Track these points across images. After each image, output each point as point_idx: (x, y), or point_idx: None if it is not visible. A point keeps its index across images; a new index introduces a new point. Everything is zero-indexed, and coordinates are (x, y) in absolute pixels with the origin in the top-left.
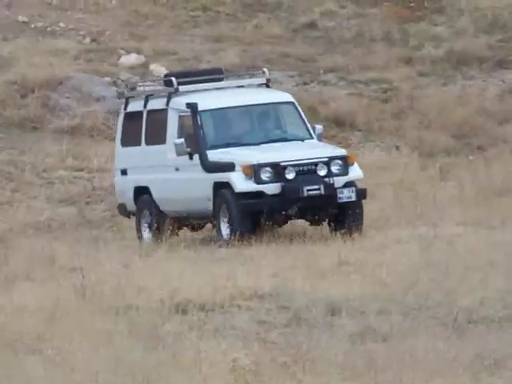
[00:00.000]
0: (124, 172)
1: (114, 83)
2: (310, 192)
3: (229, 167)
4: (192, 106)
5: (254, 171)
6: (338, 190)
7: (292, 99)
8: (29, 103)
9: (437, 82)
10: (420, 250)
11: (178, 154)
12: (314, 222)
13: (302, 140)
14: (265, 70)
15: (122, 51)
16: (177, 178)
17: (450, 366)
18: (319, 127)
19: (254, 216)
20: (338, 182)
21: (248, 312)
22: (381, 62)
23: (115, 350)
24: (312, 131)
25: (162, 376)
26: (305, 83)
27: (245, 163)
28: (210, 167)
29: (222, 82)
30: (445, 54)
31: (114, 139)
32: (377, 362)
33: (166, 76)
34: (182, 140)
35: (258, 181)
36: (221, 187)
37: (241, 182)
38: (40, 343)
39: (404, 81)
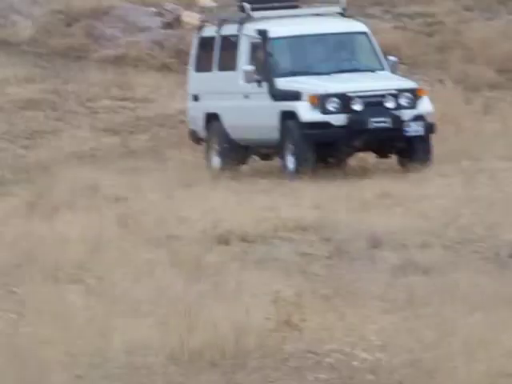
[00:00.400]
0: (196, 98)
1: (159, 13)
2: (377, 124)
3: (296, 96)
4: (262, 33)
5: (320, 101)
6: (406, 124)
7: (366, 29)
8: (73, 32)
9: (482, 16)
10: (463, 183)
11: (247, 80)
12: (382, 155)
13: (374, 71)
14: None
15: None
16: (246, 106)
17: (492, 300)
18: (393, 59)
19: (321, 148)
20: (406, 115)
21: (290, 243)
22: None
23: (157, 281)
24: (385, 62)
25: (203, 307)
26: (350, 16)
27: (311, 93)
28: (277, 95)
29: (297, 10)
30: None
31: (158, 70)
32: (417, 295)
33: (240, 1)
34: (252, 67)
35: (324, 111)
36: (288, 117)
37: (306, 112)
38: (82, 273)
39: (449, 15)
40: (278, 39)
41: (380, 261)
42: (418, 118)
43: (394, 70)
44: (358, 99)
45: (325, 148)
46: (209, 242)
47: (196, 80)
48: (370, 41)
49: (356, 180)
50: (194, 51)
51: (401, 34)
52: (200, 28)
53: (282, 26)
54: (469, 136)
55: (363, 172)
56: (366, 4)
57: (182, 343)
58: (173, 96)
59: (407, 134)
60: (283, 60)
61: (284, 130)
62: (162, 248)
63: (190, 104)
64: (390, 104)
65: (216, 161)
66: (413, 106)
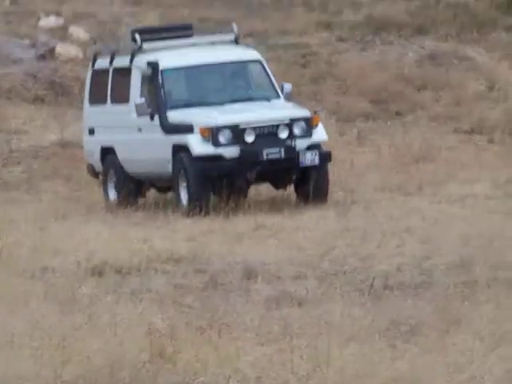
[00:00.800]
0: (91, 131)
1: (33, 45)
2: (270, 156)
3: (187, 129)
4: (153, 65)
5: (211, 133)
6: (300, 154)
7: (259, 57)
8: None
9: (355, 47)
10: (337, 215)
11: (139, 114)
12: (279, 187)
13: (268, 100)
14: (234, 25)
15: (41, 13)
16: (139, 139)
17: (366, 331)
18: (287, 86)
19: (214, 181)
20: (300, 144)
21: (164, 275)
22: (299, 26)
23: (31, 313)
24: (279, 90)
25: (77, 339)
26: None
27: (202, 125)
28: (169, 128)
29: (190, 39)
30: (364, 20)
31: (31, 101)
32: (292, 326)
33: (132, 32)
34: (143, 100)
35: (216, 144)
36: (179, 150)
37: (198, 145)
38: None
39: (323, 46)
40: (169, 70)
41: (254, 292)
42: (313, 147)
43: (288, 98)
44: (250, 130)
45: (219, 181)
46: (83, 274)
47: (91, 113)
48: (264, 68)
49: (231, 212)
50: (87, 84)
51: (275, 65)
52: (93, 60)
53: (173, 56)
54: (343, 167)
55: (238, 204)
56: (240, 34)
57: (56, 375)
58: (46, 128)
59: (302, 164)
60: (175, 92)
61: (176, 163)
62: (36, 280)
63: (86, 138)
64: (283, 134)
65: (112, 194)
66: (307, 134)
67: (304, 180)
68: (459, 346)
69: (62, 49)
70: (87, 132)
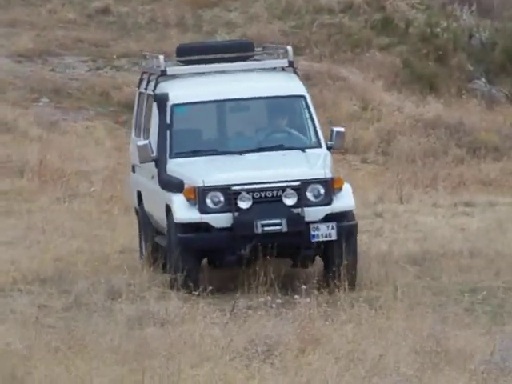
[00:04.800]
0: (133, 168)
1: None
2: (267, 228)
3: (178, 186)
4: (161, 97)
5: (197, 196)
6: (312, 226)
7: (304, 92)
8: None
9: None
10: None
11: (141, 159)
12: (296, 265)
13: (304, 149)
14: (289, 48)
15: None
16: (150, 188)
17: (223, 351)
18: (339, 131)
19: (198, 255)
20: (314, 214)
21: (29, 296)
22: (174, 47)
23: None
24: (321, 136)
25: None
26: (98, 68)
27: (189, 184)
28: (163, 182)
29: (228, 65)
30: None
31: None
32: (150, 346)
33: (177, 49)
34: (147, 142)
35: (203, 209)
36: (169, 212)
37: (181, 210)
38: None
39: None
40: (181, 106)
41: (118, 313)
42: (333, 217)
43: (339, 146)
44: (245, 194)
45: (206, 255)
46: None
47: (132, 146)
48: (307, 106)
49: (98, 231)
50: (134, 109)
51: None
52: (139, 80)
53: (188, 87)
54: None
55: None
56: (114, 56)
57: None
58: None
59: (314, 239)
60: (185, 134)
61: (168, 227)
62: None
63: (130, 175)
64: (289, 200)
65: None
66: (325, 201)
67: (324, 258)
68: (314, 366)
69: None
70: (131, 168)
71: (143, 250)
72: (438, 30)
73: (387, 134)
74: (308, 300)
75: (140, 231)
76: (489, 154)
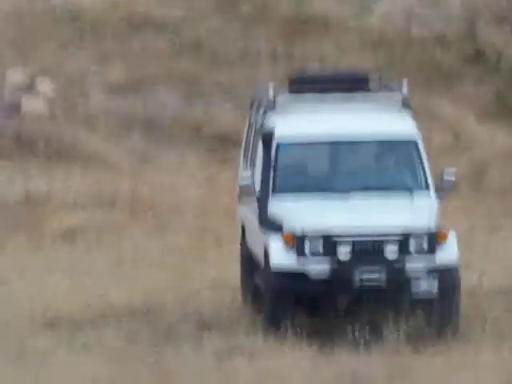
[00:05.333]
0: (239, 198)
1: None
2: (367, 282)
3: (278, 228)
4: (265, 135)
5: (295, 242)
6: (413, 282)
7: (415, 137)
8: None
9: None
10: None
11: (241, 196)
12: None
13: (411, 191)
14: (404, 82)
15: (8, 68)
16: (253, 223)
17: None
18: (449, 179)
19: (292, 303)
20: (415, 268)
21: (118, 329)
22: (266, 79)
23: None
24: (431, 182)
25: None
26: (189, 101)
27: (287, 229)
28: (263, 221)
29: (341, 97)
30: None
31: None
32: (237, 378)
33: (290, 79)
34: (249, 182)
35: (300, 257)
36: (267, 255)
37: (278, 255)
38: None
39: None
40: (287, 145)
41: (206, 344)
42: (435, 271)
43: (448, 189)
44: (346, 243)
45: (302, 306)
46: (36, 326)
47: (239, 177)
48: (417, 152)
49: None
50: (243, 138)
51: (241, 118)
52: (250, 110)
53: (296, 125)
54: None
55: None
56: (206, 88)
57: None
58: (11, 181)
59: (416, 296)
60: (289, 172)
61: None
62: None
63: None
64: (390, 252)
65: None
66: (427, 254)
67: (423, 313)
68: None
69: (28, 104)
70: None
71: (244, 289)
72: None
73: (479, 166)
74: (396, 334)
75: (242, 268)
76: None
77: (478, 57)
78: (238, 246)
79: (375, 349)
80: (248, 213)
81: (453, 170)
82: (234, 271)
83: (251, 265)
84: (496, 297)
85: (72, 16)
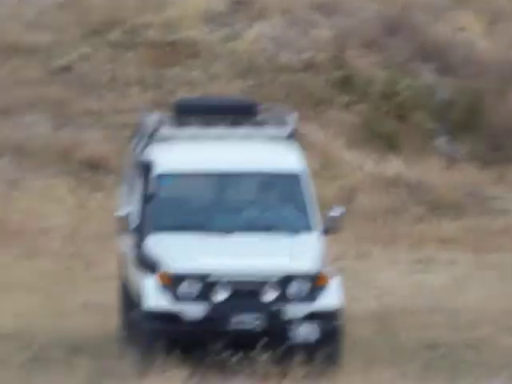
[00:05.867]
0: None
1: None
2: (240, 325)
3: (153, 267)
4: (144, 165)
5: (170, 283)
6: (292, 326)
7: (299, 171)
8: None
9: None
10: None
11: (119, 230)
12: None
13: (297, 231)
14: (294, 115)
15: None
16: (130, 261)
17: None
18: (336, 213)
19: (168, 345)
20: (294, 312)
21: None
22: (135, 105)
23: None
24: (315, 218)
25: None
26: (59, 126)
27: (164, 268)
28: (140, 260)
29: (226, 130)
30: None
31: None
32: None
33: (175, 105)
34: (127, 212)
35: (175, 298)
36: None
37: (152, 296)
38: None
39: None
40: (166, 177)
41: (77, 368)
42: (316, 316)
43: (334, 229)
44: (223, 284)
45: (176, 348)
46: None
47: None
48: (301, 187)
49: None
50: (124, 172)
51: (110, 144)
52: (132, 139)
53: (177, 155)
54: None
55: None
56: (76, 114)
57: None
58: None
59: (293, 341)
60: (169, 206)
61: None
62: None
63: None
64: (267, 295)
65: None
66: (308, 298)
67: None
68: None
69: None
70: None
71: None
72: (399, 87)
73: (348, 192)
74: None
75: (120, 301)
76: (449, 212)
77: (346, 82)
78: (110, 272)
79: (246, 372)
80: (125, 247)
81: (338, 212)
82: (103, 295)
83: (128, 300)
84: (365, 321)
85: None
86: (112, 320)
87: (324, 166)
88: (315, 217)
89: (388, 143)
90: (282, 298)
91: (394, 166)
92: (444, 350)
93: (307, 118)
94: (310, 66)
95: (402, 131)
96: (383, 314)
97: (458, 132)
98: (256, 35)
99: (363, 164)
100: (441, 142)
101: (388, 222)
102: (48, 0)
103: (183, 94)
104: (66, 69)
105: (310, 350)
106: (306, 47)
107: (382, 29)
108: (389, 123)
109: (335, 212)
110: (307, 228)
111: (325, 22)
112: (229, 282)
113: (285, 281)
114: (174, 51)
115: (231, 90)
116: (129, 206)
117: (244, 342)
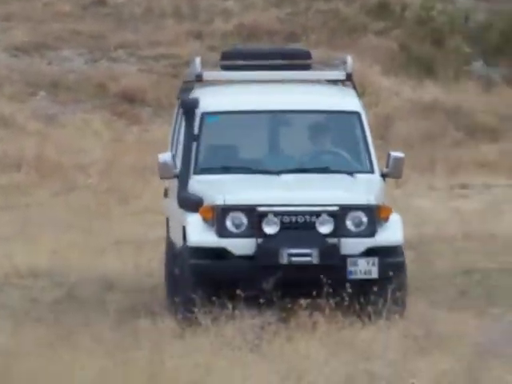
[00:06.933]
0: (165, 193)
1: None
2: (295, 258)
3: (196, 205)
4: (187, 105)
5: (215, 216)
6: (350, 261)
7: (358, 108)
8: None
9: None
10: None
11: (161, 175)
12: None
13: (352, 173)
14: (348, 58)
15: None
16: (174, 212)
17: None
18: (396, 155)
19: (217, 286)
20: (352, 246)
21: (22, 290)
22: (170, 37)
23: None
24: (375, 160)
25: None
26: (95, 60)
27: (207, 202)
28: (182, 201)
29: (278, 73)
30: (235, 28)
31: None
32: (138, 338)
33: (222, 54)
34: (169, 156)
35: (222, 232)
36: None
37: (195, 232)
38: None
39: (194, 56)
40: (212, 115)
41: (109, 304)
42: (375, 252)
43: (396, 174)
44: (273, 217)
45: (223, 286)
46: None
47: None
48: (360, 126)
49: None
50: (172, 122)
51: (146, 76)
52: (180, 89)
53: (223, 95)
54: None
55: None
56: (111, 47)
57: None
58: None
59: (351, 276)
60: (214, 147)
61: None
62: None
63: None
64: (324, 228)
65: None
66: (367, 232)
67: (364, 297)
68: (302, 352)
69: None
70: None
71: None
72: (434, 12)
73: (385, 119)
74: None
75: (166, 263)
76: (486, 136)
77: (381, 8)
78: (145, 206)
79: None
80: (172, 202)
81: (399, 155)
82: (138, 231)
83: (173, 258)
84: None
85: None
86: (146, 257)
87: (360, 93)
88: (374, 158)
89: (424, 69)
90: (340, 231)
91: (430, 91)
92: (479, 276)
93: (343, 46)
94: None
95: (438, 56)
96: (419, 241)
97: (493, 56)
98: None
99: (400, 90)
100: (477, 66)
101: (425, 148)
102: None
103: (219, 24)
104: (101, 2)
105: (369, 288)
106: None
107: None
108: (425, 48)
109: (395, 158)
110: (366, 169)
111: None
112: (280, 214)
113: (342, 213)
114: None
115: (266, 18)
116: (173, 149)
117: (299, 278)
